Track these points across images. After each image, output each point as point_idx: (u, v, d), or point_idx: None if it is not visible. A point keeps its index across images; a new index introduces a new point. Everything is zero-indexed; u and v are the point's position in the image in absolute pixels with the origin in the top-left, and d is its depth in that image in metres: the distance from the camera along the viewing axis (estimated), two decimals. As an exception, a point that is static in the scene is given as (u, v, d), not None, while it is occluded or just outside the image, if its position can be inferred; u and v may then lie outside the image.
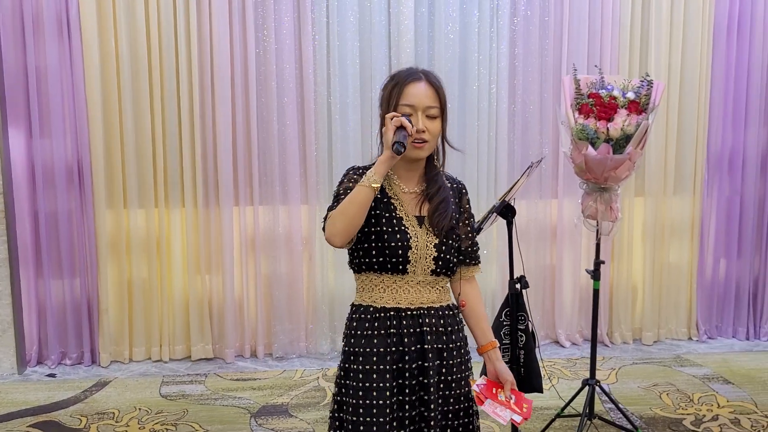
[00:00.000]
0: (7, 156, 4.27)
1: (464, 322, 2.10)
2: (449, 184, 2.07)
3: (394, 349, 1.96)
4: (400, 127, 1.86)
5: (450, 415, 2.02)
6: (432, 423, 1.95)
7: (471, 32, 4.54)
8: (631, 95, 3.11)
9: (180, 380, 4.26)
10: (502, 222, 2.85)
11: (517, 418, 1.97)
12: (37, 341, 4.53)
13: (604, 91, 3.14)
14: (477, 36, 4.54)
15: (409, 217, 1.98)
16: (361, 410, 1.94)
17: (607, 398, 3.65)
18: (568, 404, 3.53)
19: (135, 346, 4.57)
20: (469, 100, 4.58)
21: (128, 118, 4.36)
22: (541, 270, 4.79)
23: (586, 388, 3.42)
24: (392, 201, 1.98)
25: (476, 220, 2.87)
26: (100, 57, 4.28)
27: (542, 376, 3.01)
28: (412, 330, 1.97)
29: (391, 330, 1.96)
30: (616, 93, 3.11)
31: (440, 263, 1.98)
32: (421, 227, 1.97)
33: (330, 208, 1.95)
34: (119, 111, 4.35)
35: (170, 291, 4.55)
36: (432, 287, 2.00)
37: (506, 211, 2.82)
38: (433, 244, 1.97)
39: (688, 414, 3.73)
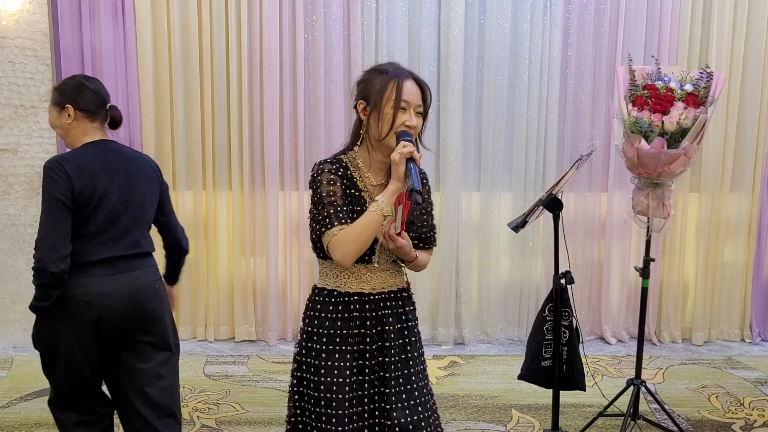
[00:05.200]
0: (62, 136, 4.38)
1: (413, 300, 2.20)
2: None
3: (356, 331, 2.05)
4: (410, 159, 1.91)
5: (406, 394, 2.07)
6: (393, 399, 2.04)
7: (523, 20, 4.44)
8: (689, 87, 2.99)
9: (223, 360, 4.32)
10: (548, 215, 2.79)
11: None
12: (88, 317, 4.65)
13: (660, 82, 3.03)
14: (529, 23, 4.44)
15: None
16: (321, 387, 2.02)
17: (652, 398, 3.56)
18: (611, 403, 3.45)
19: (181, 324, 4.65)
20: (519, 89, 4.50)
21: (178, 101, 4.41)
22: (588, 264, 4.69)
23: (631, 387, 3.34)
24: (362, 194, 2.04)
25: (522, 213, 2.84)
26: (152, 40, 4.34)
27: (585, 373, 2.95)
28: (374, 314, 2.06)
29: (354, 314, 2.05)
30: (673, 85, 3.00)
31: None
32: (385, 219, 1.97)
33: (318, 218, 1.99)
34: (170, 94, 4.41)
35: (216, 272, 4.62)
36: (392, 273, 2.11)
37: (553, 204, 2.75)
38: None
39: (738, 418, 3.61)
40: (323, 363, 2.03)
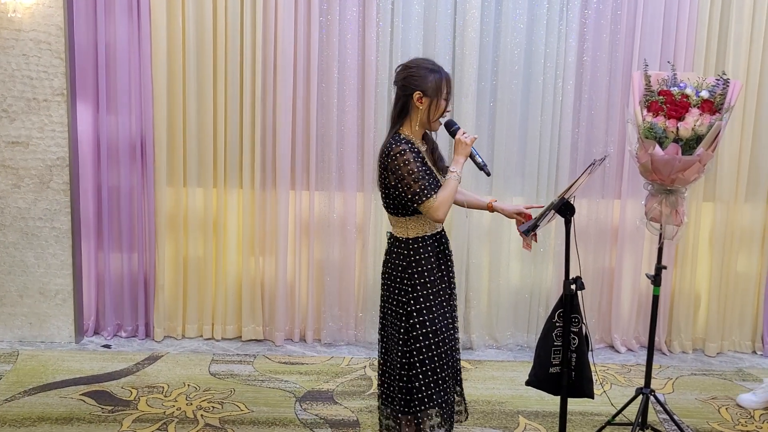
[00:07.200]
0: (74, 130, 4.38)
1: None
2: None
3: (442, 258, 2.79)
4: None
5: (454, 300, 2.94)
6: (454, 304, 2.90)
7: (539, 24, 4.41)
8: (705, 94, 2.96)
9: (229, 359, 4.30)
10: (560, 219, 2.76)
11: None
12: (95, 312, 4.65)
13: (676, 88, 3.00)
14: (545, 28, 4.41)
15: (432, 167, 2.74)
16: (438, 308, 2.71)
17: (661, 408, 3.52)
18: (619, 412, 3.42)
19: (188, 322, 4.65)
20: (533, 93, 4.47)
21: (191, 98, 4.41)
22: (599, 272, 4.65)
23: (640, 396, 3.30)
24: (424, 159, 2.71)
25: (534, 217, 2.82)
26: (167, 37, 4.34)
27: (594, 381, 2.91)
28: (446, 243, 2.83)
29: (441, 246, 2.78)
30: (688, 91, 2.97)
31: None
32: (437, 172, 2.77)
33: (416, 190, 2.58)
34: (183, 90, 4.41)
35: (224, 271, 4.60)
36: None
37: (565, 209, 2.73)
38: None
39: (748, 431, 3.56)
40: (436, 288, 2.70)
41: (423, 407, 2.69)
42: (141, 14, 4.31)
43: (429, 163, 2.74)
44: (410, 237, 2.72)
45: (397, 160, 2.58)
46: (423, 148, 2.74)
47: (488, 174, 2.72)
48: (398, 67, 2.74)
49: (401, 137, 2.65)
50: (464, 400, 2.98)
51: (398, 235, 2.75)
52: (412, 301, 2.67)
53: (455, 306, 2.91)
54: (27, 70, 4.24)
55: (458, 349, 2.88)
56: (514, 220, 2.93)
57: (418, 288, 2.67)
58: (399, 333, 2.71)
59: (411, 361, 2.68)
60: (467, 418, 3.01)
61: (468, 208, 2.99)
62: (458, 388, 2.94)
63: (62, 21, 4.20)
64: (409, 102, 2.67)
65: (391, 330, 2.77)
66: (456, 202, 2.93)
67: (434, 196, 2.59)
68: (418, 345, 2.67)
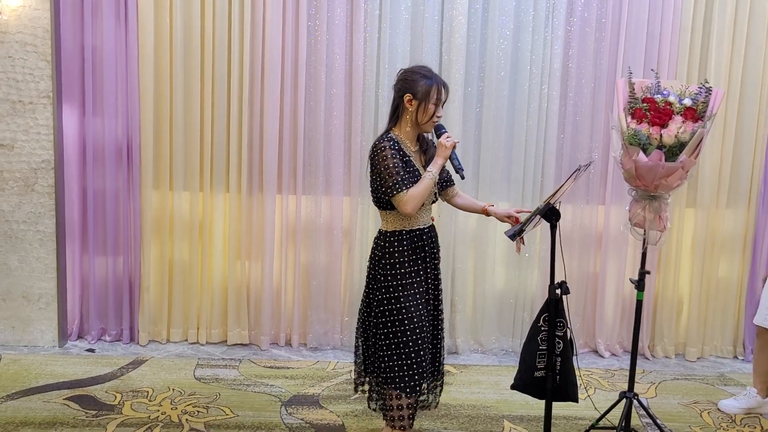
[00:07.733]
0: (60, 132, 4.36)
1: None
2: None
3: (420, 254, 2.91)
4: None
5: (439, 297, 3.08)
6: (440, 299, 3.05)
7: (525, 32, 4.45)
8: (687, 102, 3.00)
9: (214, 364, 4.29)
10: (545, 225, 2.79)
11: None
12: (79, 316, 4.62)
13: (659, 96, 3.04)
14: (531, 35, 4.45)
15: (419, 167, 2.90)
16: (409, 297, 2.86)
17: (644, 412, 3.55)
18: (603, 416, 3.44)
19: (173, 327, 4.63)
20: (519, 99, 4.50)
21: (178, 102, 4.40)
22: (583, 277, 4.69)
23: (623, 400, 3.34)
24: (411, 159, 2.88)
25: (520, 221, 2.85)
26: (154, 40, 4.33)
27: (578, 385, 2.94)
28: (427, 241, 2.95)
29: (419, 243, 2.91)
30: (672, 98, 3.01)
31: (435, 194, 2.99)
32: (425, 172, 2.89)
33: (389, 183, 2.77)
34: (170, 94, 4.40)
35: (210, 275, 4.60)
36: (429, 211, 3.00)
37: (550, 213, 2.76)
38: None
39: (728, 435, 3.60)
40: (406, 281, 2.85)
41: (386, 386, 2.89)
42: (128, 17, 4.30)
43: (417, 163, 2.90)
44: (388, 230, 2.91)
45: (378, 156, 2.79)
46: (414, 149, 2.93)
47: (462, 177, 2.87)
48: (399, 71, 2.95)
49: (388, 136, 2.85)
50: (438, 392, 3.21)
51: (381, 228, 2.96)
52: (383, 289, 2.88)
53: (439, 302, 3.05)
54: (13, 72, 4.22)
55: (436, 345, 3.07)
56: (507, 224, 3.03)
57: (388, 278, 2.86)
58: (369, 317, 2.97)
59: (378, 344, 2.92)
60: (436, 405, 3.22)
61: (465, 210, 3.23)
62: (438, 382, 3.18)
63: (49, 23, 4.19)
64: (401, 104, 2.87)
65: (365, 311, 3.01)
66: (454, 205, 3.19)
67: (405, 190, 2.76)
68: (385, 330, 2.88)
